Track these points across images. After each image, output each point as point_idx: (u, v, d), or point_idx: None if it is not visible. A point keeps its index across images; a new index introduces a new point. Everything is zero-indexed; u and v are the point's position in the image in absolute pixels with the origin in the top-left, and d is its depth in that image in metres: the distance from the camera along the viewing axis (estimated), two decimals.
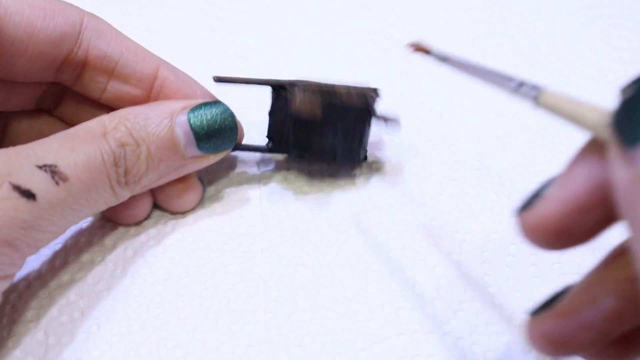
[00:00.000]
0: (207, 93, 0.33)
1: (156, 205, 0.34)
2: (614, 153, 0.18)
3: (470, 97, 0.39)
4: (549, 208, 0.20)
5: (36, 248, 0.27)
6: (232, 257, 0.32)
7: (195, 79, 0.36)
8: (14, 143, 0.32)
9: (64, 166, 0.27)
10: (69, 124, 0.33)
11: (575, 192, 0.20)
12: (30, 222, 0.26)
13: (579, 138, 0.37)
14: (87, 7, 0.33)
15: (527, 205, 0.21)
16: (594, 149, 0.20)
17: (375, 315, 0.30)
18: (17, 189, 0.26)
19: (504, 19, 0.43)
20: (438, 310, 0.30)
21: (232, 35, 0.43)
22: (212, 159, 0.32)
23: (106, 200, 0.29)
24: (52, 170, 0.27)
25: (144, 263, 0.32)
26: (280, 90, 0.34)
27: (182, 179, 0.33)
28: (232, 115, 0.32)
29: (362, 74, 0.40)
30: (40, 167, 0.27)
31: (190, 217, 0.34)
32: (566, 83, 0.39)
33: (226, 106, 0.32)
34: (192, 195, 0.33)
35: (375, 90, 0.33)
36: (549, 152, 0.36)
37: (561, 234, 0.21)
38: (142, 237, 0.33)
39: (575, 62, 0.40)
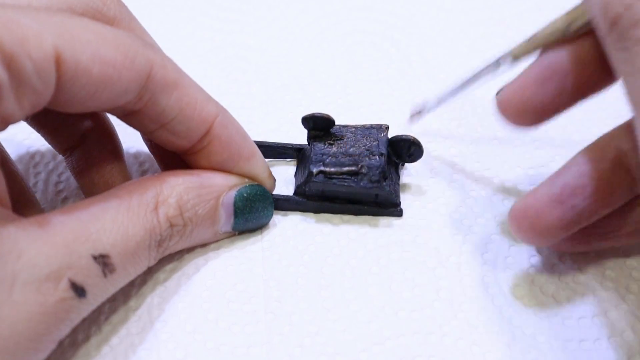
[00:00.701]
0: (253, 151, 0.32)
1: None
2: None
3: (470, 98, 0.39)
4: (512, 86, 0.28)
5: (69, 329, 0.26)
6: (232, 257, 0.32)
7: (195, 79, 0.35)
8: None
9: (115, 256, 0.26)
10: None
11: (531, 71, 0.27)
12: (75, 320, 0.25)
13: (578, 139, 0.37)
14: None
15: (500, 90, 0.28)
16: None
17: (376, 317, 0.30)
18: (74, 286, 0.25)
19: (504, 20, 0.43)
20: (438, 311, 0.30)
21: (232, 35, 0.43)
22: (236, 234, 0.33)
23: (137, 275, 0.29)
24: (104, 262, 0.26)
25: None
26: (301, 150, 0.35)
27: None
28: (271, 201, 0.32)
29: (362, 74, 0.40)
30: (95, 258, 0.26)
31: None
32: None
33: (269, 193, 0.32)
34: None
35: (386, 127, 0.34)
36: (549, 153, 0.36)
37: (525, 106, 0.27)
38: None
39: None
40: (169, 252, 0.30)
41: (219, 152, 0.31)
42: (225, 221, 0.31)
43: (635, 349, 0.28)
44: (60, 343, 0.29)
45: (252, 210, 0.32)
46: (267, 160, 0.35)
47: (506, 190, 0.34)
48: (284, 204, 0.33)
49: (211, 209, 0.30)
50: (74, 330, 0.29)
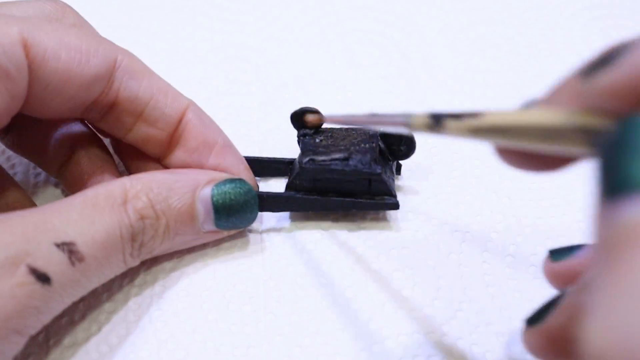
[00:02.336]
0: (227, 142, 0.32)
1: None
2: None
3: (470, 97, 0.39)
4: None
5: (39, 328, 0.26)
6: (232, 258, 0.32)
7: (195, 79, 0.36)
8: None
9: (82, 244, 0.26)
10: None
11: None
12: (41, 308, 0.25)
13: None
14: (89, 10, 0.33)
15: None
16: None
17: (375, 316, 0.30)
18: (34, 272, 0.24)
19: (503, 20, 0.43)
20: (438, 310, 0.30)
21: (232, 35, 0.43)
22: (225, 234, 0.32)
23: (115, 271, 0.28)
24: (69, 250, 0.25)
25: (144, 265, 0.32)
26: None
27: None
28: (255, 197, 0.31)
29: (361, 74, 0.40)
30: (58, 246, 0.25)
31: None
32: None
33: (250, 186, 0.31)
34: None
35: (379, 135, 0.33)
36: None
37: None
38: None
39: (576, 62, 0.40)
40: (151, 251, 0.29)
41: (193, 138, 0.31)
42: (205, 217, 0.30)
43: None
44: (60, 343, 0.29)
45: (234, 206, 0.30)
46: (262, 178, 0.35)
47: (506, 189, 0.34)
48: (274, 202, 0.32)
49: (187, 202, 0.29)
50: (74, 330, 0.29)
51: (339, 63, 0.41)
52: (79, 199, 0.27)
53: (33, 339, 0.29)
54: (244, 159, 0.33)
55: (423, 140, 0.35)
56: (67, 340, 0.29)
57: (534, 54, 0.41)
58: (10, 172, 0.35)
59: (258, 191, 0.32)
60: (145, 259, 0.30)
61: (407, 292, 0.30)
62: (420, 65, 0.41)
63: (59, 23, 0.30)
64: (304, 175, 0.32)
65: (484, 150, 0.36)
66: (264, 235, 0.33)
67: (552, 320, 0.24)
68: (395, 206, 0.32)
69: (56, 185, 0.35)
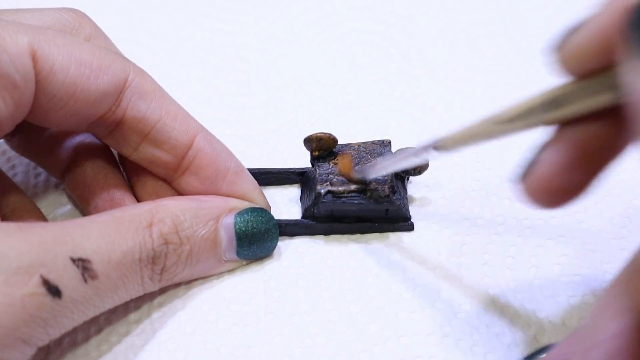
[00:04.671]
0: (240, 168, 0.32)
1: None
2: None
3: (470, 98, 0.39)
4: (539, 172, 0.24)
5: (47, 341, 0.25)
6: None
7: (195, 79, 0.35)
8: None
9: (97, 262, 0.26)
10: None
11: (557, 155, 0.24)
12: (49, 321, 0.25)
13: None
14: (90, 9, 0.33)
15: (523, 176, 0.25)
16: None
17: (376, 317, 0.30)
18: (46, 284, 0.24)
19: (504, 20, 0.43)
20: (438, 312, 0.30)
21: (232, 35, 0.43)
22: (244, 263, 0.32)
23: (132, 294, 0.28)
24: (84, 266, 0.25)
25: None
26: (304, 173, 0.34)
27: None
28: (275, 226, 0.31)
29: (362, 74, 0.40)
30: (74, 261, 0.25)
31: None
32: None
33: (271, 215, 0.31)
34: None
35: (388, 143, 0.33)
36: None
37: (557, 190, 0.24)
38: None
39: None
40: (171, 277, 0.29)
41: (206, 166, 0.31)
42: (227, 245, 0.30)
43: None
44: (60, 343, 0.29)
45: (256, 234, 0.30)
46: (270, 187, 0.35)
47: (506, 190, 0.34)
48: (293, 229, 0.33)
49: (210, 230, 0.30)
50: (74, 330, 0.29)
51: (339, 63, 0.41)
52: (104, 217, 0.28)
53: None
54: (256, 183, 0.32)
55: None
56: (66, 341, 0.29)
57: (534, 53, 0.41)
58: (10, 172, 0.35)
59: (276, 219, 0.32)
60: (166, 285, 0.30)
61: (408, 294, 0.30)
62: (420, 66, 0.41)
63: (73, 37, 0.29)
64: (322, 207, 0.32)
65: (484, 153, 0.36)
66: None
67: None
68: (411, 228, 0.33)
69: (56, 186, 0.35)
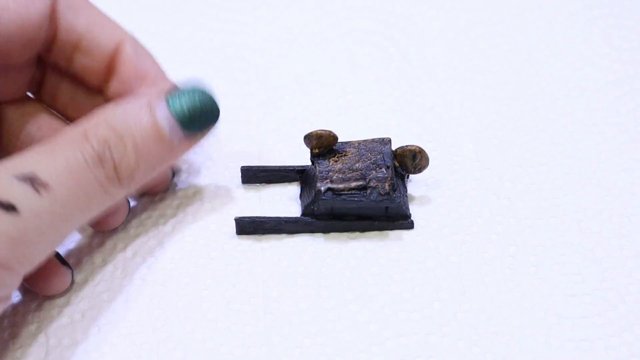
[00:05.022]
0: (159, 73, 0.33)
1: (154, 206, 0.34)
2: None
3: (470, 98, 0.39)
4: None
5: (30, 264, 0.26)
6: (232, 258, 0.32)
7: (196, 80, 0.35)
8: (10, 137, 0.33)
9: (43, 173, 0.26)
10: (63, 113, 0.34)
11: None
12: (16, 237, 0.25)
13: (578, 138, 0.37)
14: None
15: None
16: None
17: (375, 317, 0.30)
18: None
19: (503, 20, 0.43)
20: (438, 311, 0.30)
21: (232, 35, 0.43)
22: (200, 137, 0.31)
23: (100, 202, 0.28)
24: (31, 179, 0.26)
25: (144, 264, 0.32)
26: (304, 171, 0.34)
27: (47, 264, 0.30)
28: (209, 92, 0.31)
29: (362, 74, 0.40)
30: (18, 178, 0.25)
31: (190, 217, 0.34)
32: (566, 84, 0.39)
33: (194, 84, 0.31)
34: (61, 278, 0.31)
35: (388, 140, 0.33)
36: (549, 152, 0.36)
37: None
38: (142, 238, 0.33)
39: (576, 62, 0.40)
40: (131, 174, 0.29)
41: (127, 70, 0.32)
42: (171, 128, 0.29)
43: (634, 349, 0.28)
44: (60, 343, 0.29)
45: (194, 106, 0.30)
46: (270, 185, 0.35)
47: (506, 190, 0.34)
48: (292, 226, 0.33)
49: (146, 119, 0.29)
50: (74, 330, 0.29)
51: (339, 63, 0.41)
52: (38, 145, 0.28)
53: (33, 339, 0.29)
54: (175, 84, 0.32)
55: (422, 144, 0.35)
56: (66, 341, 0.29)
57: (534, 53, 0.41)
58: None
59: (276, 217, 0.33)
60: (132, 187, 0.29)
61: (407, 294, 0.30)
62: (420, 65, 0.41)
63: None
64: (322, 204, 0.32)
65: (483, 152, 0.36)
66: (264, 235, 0.33)
67: None
68: (411, 226, 0.33)
69: None
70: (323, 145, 0.32)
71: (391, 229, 0.33)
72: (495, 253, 0.32)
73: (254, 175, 0.34)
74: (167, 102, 0.30)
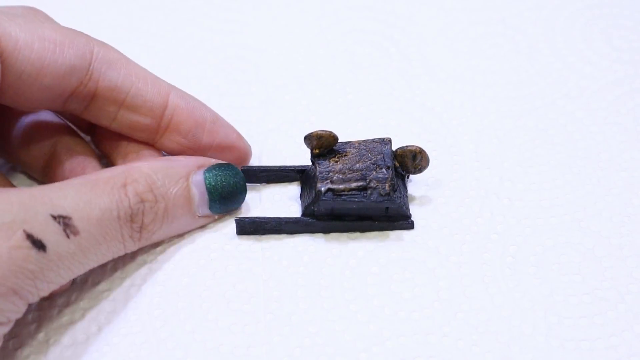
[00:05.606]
0: (215, 117, 0.34)
1: None
2: None
3: (470, 98, 0.39)
4: None
5: (38, 296, 0.27)
6: (232, 258, 0.32)
7: (195, 79, 0.36)
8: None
9: (77, 219, 0.27)
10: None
11: None
12: (37, 273, 0.26)
13: (578, 137, 0.37)
14: (90, 9, 0.33)
15: None
16: None
17: (376, 317, 0.30)
18: (30, 238, 0.26)
19: (504, 20, 0.43)
20: (438, 311, 0.30)
21: (232, 35, 0.43)
22: (217, 218, 0.33)
23: (114, 253, 0.29)
24: (65, 223, 0.27)
25: (144, 264, 0.32)
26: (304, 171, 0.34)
27: None
28: (243, 179, 0.32)
29: (362, 74, 0.40)
30: (54, 218, 0.26)
31: None
32: (566, 83, 0.39)
33: (238, 169, 0.32)
34: None
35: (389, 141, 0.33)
36: (549, 152, 0.36)
37: None
38: None
39: (576, 62, 0.40)
40: (150, 235, 0.30)
41: (184, 121, 0.32)
42: (199, 201, 0.31)
43: (634, 349, 0.28)
44: (60, 341, 0.29)
45: (225, 187, 0.32)
46: (270, 185, 0.35)
47: (506, 190, 0.34)
48: (292, 227, 0.33)
49: (182, 186, 0.31)
50: (74, 330, 0.29)
51: (339, 63, 0.41)
52: (79, 180, 0.29)
53: (33, 338, 0.29)
54: (234, 127, 0.34)
55: (422, 144, 0.35)
56: (66, 340, 0.29)
57: (534, 53, 0.41)
58: None
59: (276, 217, 0.33)
60: (145, 244, 0.31)
61: (407, 294, 0.30)
62: (420, 65, 0.41)
63: (32, 17, 0.31)
64: (322, 205, 0.32)
65: (484, 152, 0.36)
66: (264, 236, 0.33)
67: None
68: (411, 226, 0.33)
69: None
70: (323, 145, 0.32)
71: (391, 230, 0.33)
72: (496, 253, 0.32)
73: (254, 175, 0.34)
74: (205, 176, 0.31)
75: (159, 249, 0.32)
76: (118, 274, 0.32)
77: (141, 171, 0.30)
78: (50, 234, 0.26)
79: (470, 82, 0.40)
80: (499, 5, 0.44)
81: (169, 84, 0.33)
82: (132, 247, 0.30)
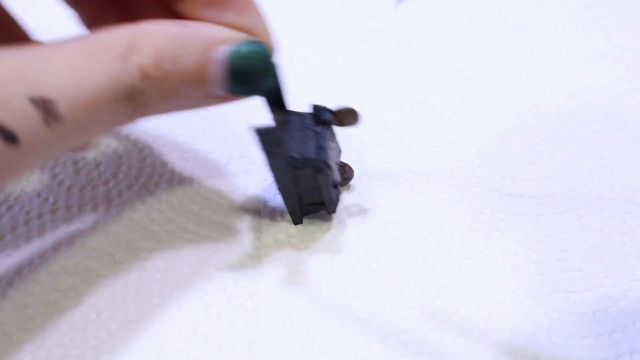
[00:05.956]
0: None
1: (154, 195, 0.34)
2: None
3: (471, 95, 0.39)
4: None
5: (8, 182, 0.23)
6: (233, 254, 0.32)
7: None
8: None
9: (62, 102, 0.22)
10: None
11: None
12: (4, 170, 0.22)
13: (580, 134, 0.37)
14: None
15: None
16: None
17: (376, 314, 0.30)
18: (0, 130, 0.21)
19: (504, 17, 0.43)
20: (439, 308, 0.30)
21: None
22: (236, 100, 0.27)
23: (101, 132, 0.25)
24: (46, 108, 0.22)
25: (145, 250, 0.32)
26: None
27: None
28: (274, 65, 0.26)
29: (362, 71, 0.40)
30: (34, 101, 0.21)
31: (193, 206, 0.34)
32: (567, 81, 0.39)
33: (269, 52, 0.26)
34: None
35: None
36: (550, 149, 0.36)
37: None
38: (144, 223, 0.33)
39: (576, 60, 0.40)
40: (151, 112, 0.25)
41: None
42: (217, 81, 0.25)
43: (636, 346, 0.28)
44: (57, 327, 0.29)
45: (252, 72, 0.26)
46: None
47: (507, 186, 0.34)
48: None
49: (199, 63, 0.25)
50: (72, 315, 0.29)
51: (339, 61, 0.41)
52: (74, 45, 0.23)
53: (30, 322, 0.29)
54: (265, 19, 0.28)
55: (423, 141, 0.35)
56: (64, 326, 0.29)
57: (535, 51, 0.41)
58: None
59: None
60: (143, 118, 0.26)
61: (408, 291, 0.30)
62: (421, 63, 0.41)
63: None
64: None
65: (484, 149, 0.36)
66: (264, 233, 0.33)
67: None
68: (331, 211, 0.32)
69: (53, 172, 0.35)
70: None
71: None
72: (497, 249, 0.32)
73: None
74: (230, 55, 0.25)
75: (158, 236, 0.32)
76: (116, 259, 0.31)
77: (151, 36, 0.24)
78: (26, 123, 0.21)
79: (471, 79, 0.40)
80: (500, 3, 0.44)
81: None
82: (126, 121, 0.25)
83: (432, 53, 0.41)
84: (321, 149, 0.30)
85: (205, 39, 0.25)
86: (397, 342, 0.29)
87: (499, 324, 0.29)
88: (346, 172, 0.33)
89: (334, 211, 0.32)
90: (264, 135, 0.28)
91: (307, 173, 0.30)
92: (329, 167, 0.30)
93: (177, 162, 0.36)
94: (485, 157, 0.35)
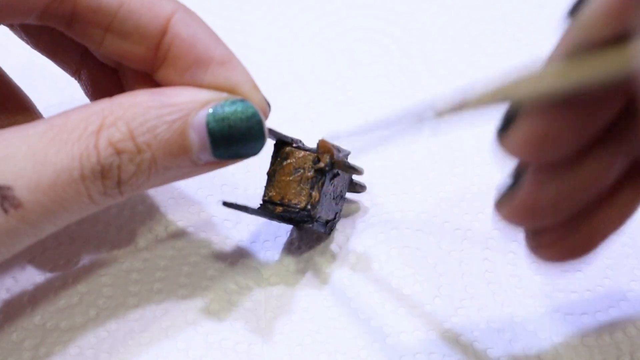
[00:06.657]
0: (227, 56, 0.26)
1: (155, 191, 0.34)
2: None
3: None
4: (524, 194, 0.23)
5: None
6: (234, 253, 0.32)
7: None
8: None
9: (21, 189, 0.22)
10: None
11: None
12: None
13: None
14: None
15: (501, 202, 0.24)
16: None
17: (376, 314, 0.30)
18: None
19: (504, 17, 0.43)
20: (439, 307, 0.30)
21: (232, 35, 0.43)
22: (229, 164, 0.26)
23: (82, 213, 0.24)
24: (2, 195, 0.22)
25: (145, 248, 0.32)
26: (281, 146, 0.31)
27: None
28: (260, 122, 0.25)
29: (362, 72, 0.40)
30: None
31: (194, 207, 0.34)
32: None
33: (254, 109, 0.25)
34: None
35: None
36: None
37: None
38: (144, 222, 0.33)
39: None
40: (134, 189, 0.24)
41: (183, 56, 0.25)
42: (200, 147, 0.24)
43: (636, 345, 0.28)
44: (57, 327, 0.29)
45: (234, 134, 0.25)
46: None
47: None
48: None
49: (177, 132, 0.24)
50: (72, 314, 0.29)
51: (339, 61, 0.41)
52: (40, 127, 0.23)
53: (30, 321, 0.29)
54: (249, 74, 0.27)
55: (423, 139, 0.35)
56: (64, 324, 0.29)
57: (535, 51, 0.41)
58: None
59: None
60: (131, 196, 0.25)
61: (408, 290, 0.30)
62: (421, 63, 0.41)
63: None
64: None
65: (485, 148, 0.36)
66: (264, 232, 0.33)
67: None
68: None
69: None
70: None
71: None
72: (497, 249, 0.32)
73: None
74: (209, 118, 0.24)
75: (158, 235, 0.32)
76: (116, 257, 0.31)
77: (124, 110, 0.23)
78: None
79: (471, 79, 0.40)
80: (499, 3, 0.44)
81: (174, 4, 0.26)
82: (109, 202, 0.24)
83: (432, 53, 0.41)
84: (311, 196, 0.29)
85: (182, 105, 0.24)
86: (397, 342, 0.29)
87: (499, 324, 0.29)
88: (355, 188, 0.33)
89: (328, 233, 0.32)
90: (231, 206, 0.30)
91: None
92: (312, 219, 0.29)
93: None
94: (486, 156, 0.35)
